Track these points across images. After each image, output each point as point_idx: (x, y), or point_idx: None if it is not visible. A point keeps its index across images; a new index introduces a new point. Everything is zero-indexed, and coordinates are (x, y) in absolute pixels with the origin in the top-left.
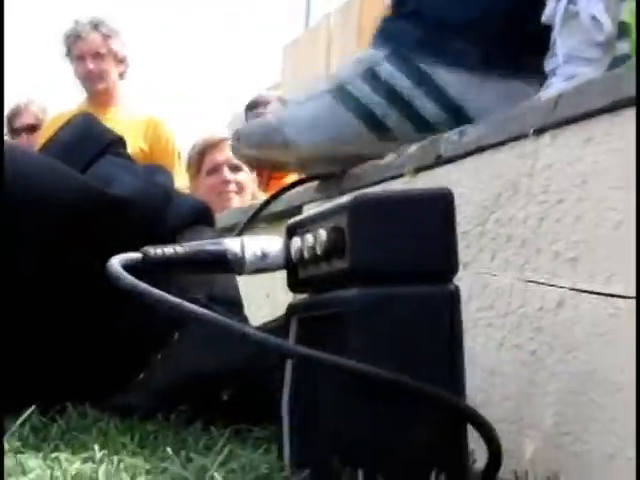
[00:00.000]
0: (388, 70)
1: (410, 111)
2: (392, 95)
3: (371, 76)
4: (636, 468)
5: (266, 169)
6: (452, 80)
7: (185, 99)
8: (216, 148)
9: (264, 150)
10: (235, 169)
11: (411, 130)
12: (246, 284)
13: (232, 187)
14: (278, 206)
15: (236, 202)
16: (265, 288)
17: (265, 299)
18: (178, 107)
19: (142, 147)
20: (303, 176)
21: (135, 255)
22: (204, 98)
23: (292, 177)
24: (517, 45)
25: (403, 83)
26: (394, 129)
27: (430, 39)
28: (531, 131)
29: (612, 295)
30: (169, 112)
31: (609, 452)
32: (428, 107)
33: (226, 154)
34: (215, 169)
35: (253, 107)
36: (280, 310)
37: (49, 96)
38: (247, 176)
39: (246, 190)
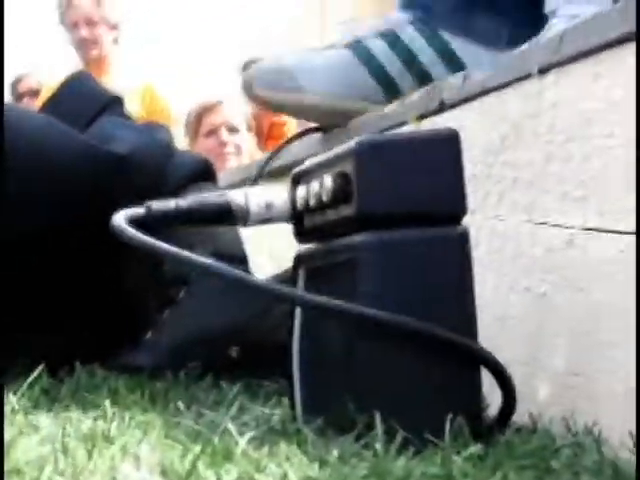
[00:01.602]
0: (411, 35)
1: (426, 79)
2: (411, 60)
3: (393, 38)
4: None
5: (275, 113)
6: (474, 56)
7: (183, 63)
8: (213, 111)
9: (276, 93)
10: (232, 131)
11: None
12: (248, 243)
13: (230, 149)
14: (280, 162)
15: (234, 164)
16: (267, 247)
17: (268, 258)
18: (176, 70)
19: (138, 115)
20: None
21: (139, 210)
22: (203, 61)
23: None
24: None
25: (424, 50)
26: (407, 94)
27: (459, 12)
28: (535, 71)
29: (623, 232)
30: (167, 75)
31: (622, 390)
32: (445, 78)
33: (223, 116)
34: (212, 131)
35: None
36: (284, 267)
37: (50, 64)
38: (245, 137)
39: (244, 151)
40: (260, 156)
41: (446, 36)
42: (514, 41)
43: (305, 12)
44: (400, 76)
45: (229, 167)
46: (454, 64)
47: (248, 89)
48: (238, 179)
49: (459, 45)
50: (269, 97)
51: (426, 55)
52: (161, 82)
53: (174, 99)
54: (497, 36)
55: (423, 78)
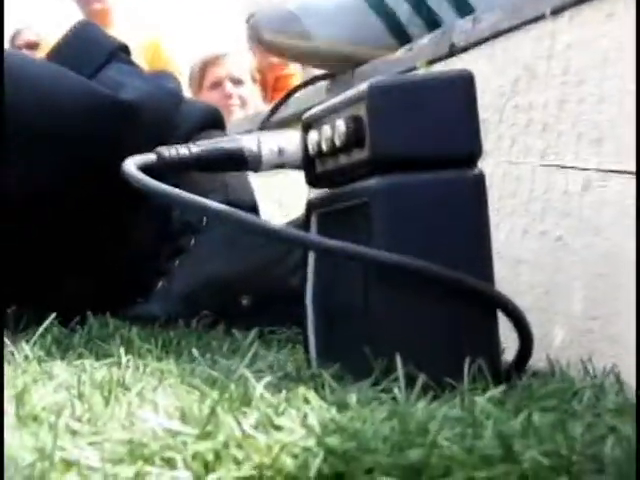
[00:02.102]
0: None
1: (435, 23)
2: (420, 4)
3: None
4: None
5: (281, 59)
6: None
7: (187, 15)
8: (217, 63)
9: (281, 37)
10: (237, 83)
11: None
12: (257, 192)
13: (235, 101)
14: (287, 111)
15: (239, 116)
16: (277, 195)
17: (278, 208)
18: (180, 23)
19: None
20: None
21: (150, 156)
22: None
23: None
24: None
25: None
26: (416, 38)
27: None
28: (548, 12)
29: None
30: (170, 28)
31: None
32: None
33: (227, 68)
34: (217, 84)
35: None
36: (293, 217)
37: (49, 18)
38: (249, 90)
39: (249, 103)
40: (265, 109)
41: None
42: None
43: None
44: (409, 20)
45: (234, 119)
46: (464, 8)
47: (254, 35)
48: (244, 130)
49: None
50: (275, 42)
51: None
52: (164, 35)
53: (178, 52)
54: None
55: (432, 23)
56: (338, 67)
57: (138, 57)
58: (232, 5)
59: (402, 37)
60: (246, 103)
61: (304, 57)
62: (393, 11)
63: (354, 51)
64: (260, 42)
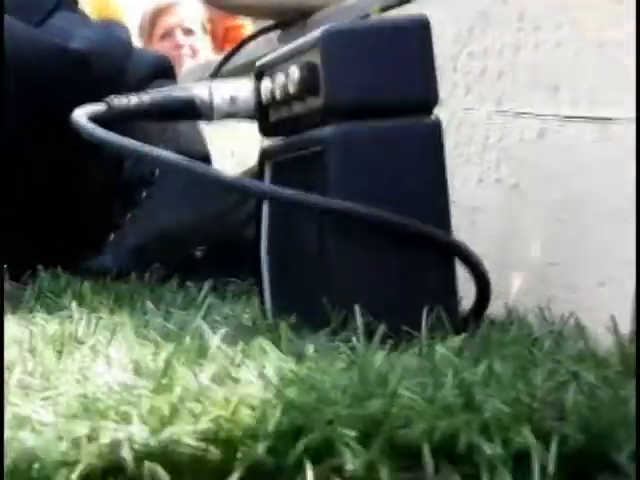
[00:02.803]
0: None
1: None
2: None
3: None
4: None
5: (229, 12)
6: None
7: None
8: (167, 12)
9: None
10: (188, 32)
11: None
12: (209, 142)
13: (185, 51)
14: (238, 60)
15: (190, 66)
16: (230, 145)
17: (230, 157)
18: None
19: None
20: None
21: (100, 106)
22: None
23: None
24: None
25: None
26: None
27: None
28: None
29: (597, 118)
30: None
31: (599, 278)
32: None
33: (178, 17)
34: (167, 33)
35: None
36: (246, 167)
37: None
38: (200, 39)
39: (199, 53)
40: (216, 59)
41: None
42: None
43: None
44: None
45: (185, 69)
46: None
47: None
48: (194, 79)
49: None
50: None
51: None
52: None
53: (124, 1)
54: None
55: None
56: (285, 17)
57: (85, 5)
58: None
59: None
60: (197, 53)
61: (250, 9)
62: None
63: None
64: None
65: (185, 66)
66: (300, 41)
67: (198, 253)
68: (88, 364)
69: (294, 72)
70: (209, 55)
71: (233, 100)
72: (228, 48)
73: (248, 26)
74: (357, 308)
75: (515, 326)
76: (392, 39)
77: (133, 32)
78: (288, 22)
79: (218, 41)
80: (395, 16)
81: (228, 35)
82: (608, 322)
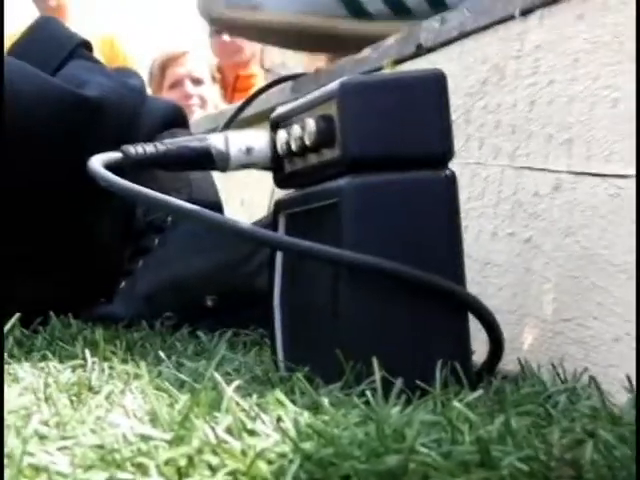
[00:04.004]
0: None
1: (396, 5)
2: None
3: None
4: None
5: (233, 33)
6: None
7: (145, 11)
8: (177, 62)
9: (232, 11)
10: (197, 82)
11: (389, 13)
12: (221, 192)
13: (195, 101)
14: (250, 110)
15: (199, 116)
16: (239, 194)
17: (240, 206)
18: (138, 19)
19: None
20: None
21: (115, 154)
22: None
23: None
24: None
25: None
26: (370, 8)
27: None
28: (517, 12)
29: (611, 175)
30: (128, 25)
31: (613, 335)
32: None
33: (187, 67)
34: (177, 83)
35: None
36: (255, 216)
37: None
38: (209, 89)
39: (208, 103)
40: (225, 108)
41: None
42: None
43: None
44: None
45: (194, 119)
46: None
47: (204, 11)
48: (205, 129)
49: None
50: (225, 16)
51: None
52: (122, 32)
53: (136, 49)
54: None
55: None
56: (291, 40)
57: (95, 53)
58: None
59: (353, 6)
60: (206, 103)
61: (256, 31)
62: None
63: (306, 21)
64: (210, 18)
65: (194, 116)
66: (316, 93)
67: (209, 302)
68: (104, 414)
69: (310, 124)
70: (218, 104)
71: (249, 151)
72: (237, 97)
73: (258, 76)
74: (375, 361)
75: (528, 382)
76: (408, 93)
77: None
78: (289, 47)
79: (227, 90)
80: (411, 70)
81: (237, 84)
82: (622, 379)
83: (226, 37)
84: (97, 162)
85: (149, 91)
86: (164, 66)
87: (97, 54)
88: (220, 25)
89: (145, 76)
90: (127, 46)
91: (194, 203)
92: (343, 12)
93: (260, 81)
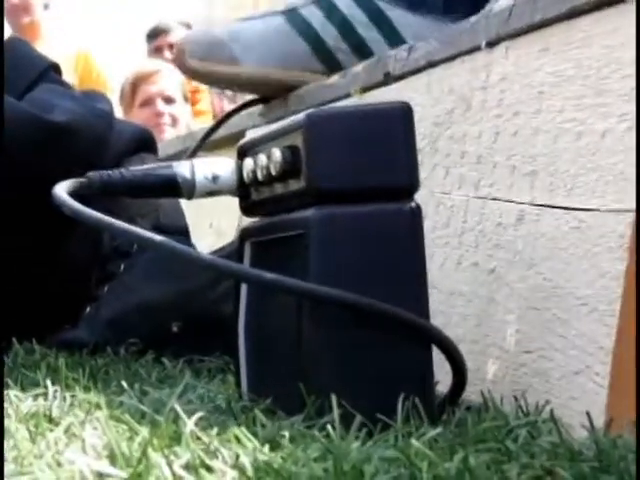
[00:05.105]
0: (346, 2)
1: (362, 49)
2: (346, 28)
3: (327, 4)
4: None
5: (211, 85)
6: (410, 23)
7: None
8: (149, 80)
9: (209, 64)
10: (168, 101)
11: None
12: (189, 213)
13: (166, 119)
14: (219, 133)
15: (170, 134)
16: (208, 217)
17: (208, 228)
18: (111, 37)
19: (72, 82)
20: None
21: (80, 181)
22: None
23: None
24: None
25: (359, 18)
26: (343, 63)
27: None
28: (484, 44)
29: (574, 208)
30: (101, 42)
31: (574, 368)
32: (381, 48)
33: (159, 86)
34: (148, 101)
35: (153, 36)
36: (224, 239)
37: None
38: (181, 108)
39: (180, 122)
40: (196, 128)
41: (383, 6)
42: (449, 5)
43: None
44: (336, 47)
45: (165, 138)
46: (392, 35)
47: (180, 61)
48: (174, 151)
49: (398, 15)
50: (202, 69)
51: (361, 24)
52: (95, 49)
53: (108, 66)
54: (433, 1)
55: (360, 49)
56: (268, 91)
57: (68, 70)
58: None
59: (329, 62)
60: (177, 121)
61: (232, 83)
62: (320, 36)
63: (283, 76)
64: (185, 70)
65: (165, 135)
66: (283, 123)
67: (174, 328)
68: (62, 448)
69: (276, 154)
70: (190, 123)
71: (215, 179)
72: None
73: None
74: (334, 398)
75: (490, 414)
76: (375, 125)
77: (114, 99)
78: (270, 97)
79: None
80: (378, 102)
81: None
82: (583, 413)
83: None
84: (62, 189)
85: (120, 109)
86: (135, 84)
87: (71, 70)
88: (197, 77)
89: (116, 92)
90: (101, 62)
91: (160, 228)
92: (319, 66)
93: (205, 96)
